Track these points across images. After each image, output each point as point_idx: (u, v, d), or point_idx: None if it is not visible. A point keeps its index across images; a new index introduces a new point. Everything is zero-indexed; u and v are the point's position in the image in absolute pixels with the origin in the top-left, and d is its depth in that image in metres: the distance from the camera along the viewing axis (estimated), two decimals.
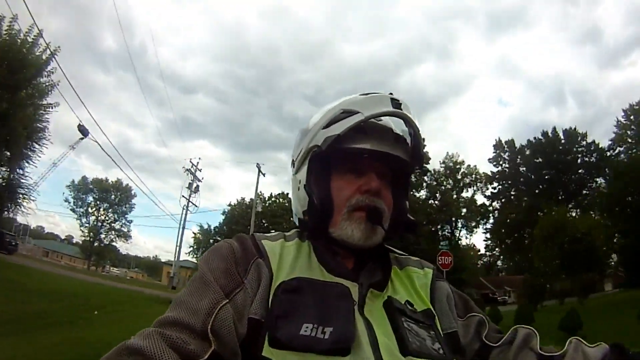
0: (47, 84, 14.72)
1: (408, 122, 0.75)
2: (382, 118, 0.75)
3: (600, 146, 34.35)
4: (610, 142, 33.05)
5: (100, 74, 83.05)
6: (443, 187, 33.56)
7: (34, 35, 13.79)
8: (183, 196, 25.07)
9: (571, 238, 20.83)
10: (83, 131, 18.87)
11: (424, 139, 0.80)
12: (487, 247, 39.17)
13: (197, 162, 29.25)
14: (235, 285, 0.63)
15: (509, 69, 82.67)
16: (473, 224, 35.55)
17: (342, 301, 0.65)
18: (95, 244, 47.32)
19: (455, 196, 33.33)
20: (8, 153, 14.47)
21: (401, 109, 0.73)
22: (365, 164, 0.75)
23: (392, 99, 0.73)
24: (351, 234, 0.72)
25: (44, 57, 14.41)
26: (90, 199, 47.16)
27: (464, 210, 33.75)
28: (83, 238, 48.41)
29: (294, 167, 0.84)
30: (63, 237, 59.79)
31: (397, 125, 0.77)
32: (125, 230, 49.19)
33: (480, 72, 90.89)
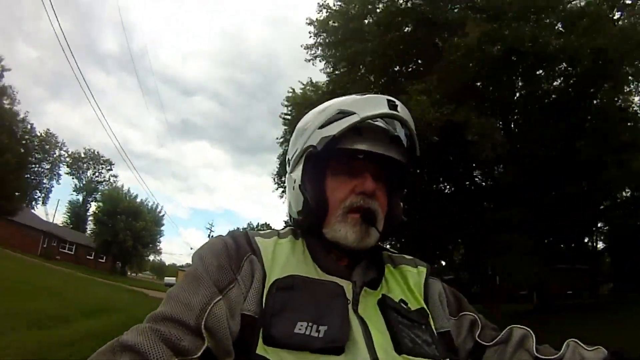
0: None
1: (404, 123, 0.74)
2: (377, 119, 0.74)
3: None
4: None
5: (103, 75, 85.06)
6: None
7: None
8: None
9: None
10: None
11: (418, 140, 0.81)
12: None
13: (212, 222, 48.74)
14: (228, 281, 0.63)
15: None
16: None
17: (336, 299, 0.65)
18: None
19: None
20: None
21: (397, 111, 0.73)
22: (360, 165, 0.74)
23: (388, 100, 0.73)
24: (345, 236, 0.71)
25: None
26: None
27: None
28: None
29: (289, 165, 0.84)
30: None
31: (392, 127, 0.75)
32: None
33: None
